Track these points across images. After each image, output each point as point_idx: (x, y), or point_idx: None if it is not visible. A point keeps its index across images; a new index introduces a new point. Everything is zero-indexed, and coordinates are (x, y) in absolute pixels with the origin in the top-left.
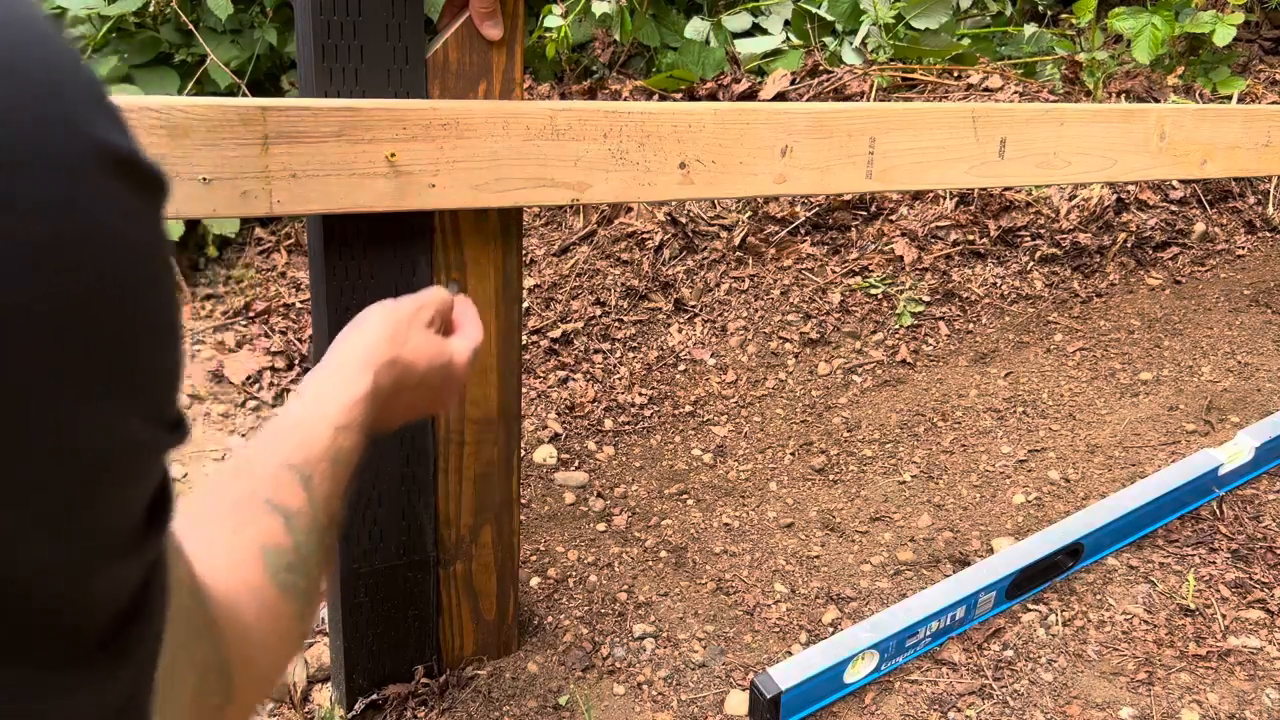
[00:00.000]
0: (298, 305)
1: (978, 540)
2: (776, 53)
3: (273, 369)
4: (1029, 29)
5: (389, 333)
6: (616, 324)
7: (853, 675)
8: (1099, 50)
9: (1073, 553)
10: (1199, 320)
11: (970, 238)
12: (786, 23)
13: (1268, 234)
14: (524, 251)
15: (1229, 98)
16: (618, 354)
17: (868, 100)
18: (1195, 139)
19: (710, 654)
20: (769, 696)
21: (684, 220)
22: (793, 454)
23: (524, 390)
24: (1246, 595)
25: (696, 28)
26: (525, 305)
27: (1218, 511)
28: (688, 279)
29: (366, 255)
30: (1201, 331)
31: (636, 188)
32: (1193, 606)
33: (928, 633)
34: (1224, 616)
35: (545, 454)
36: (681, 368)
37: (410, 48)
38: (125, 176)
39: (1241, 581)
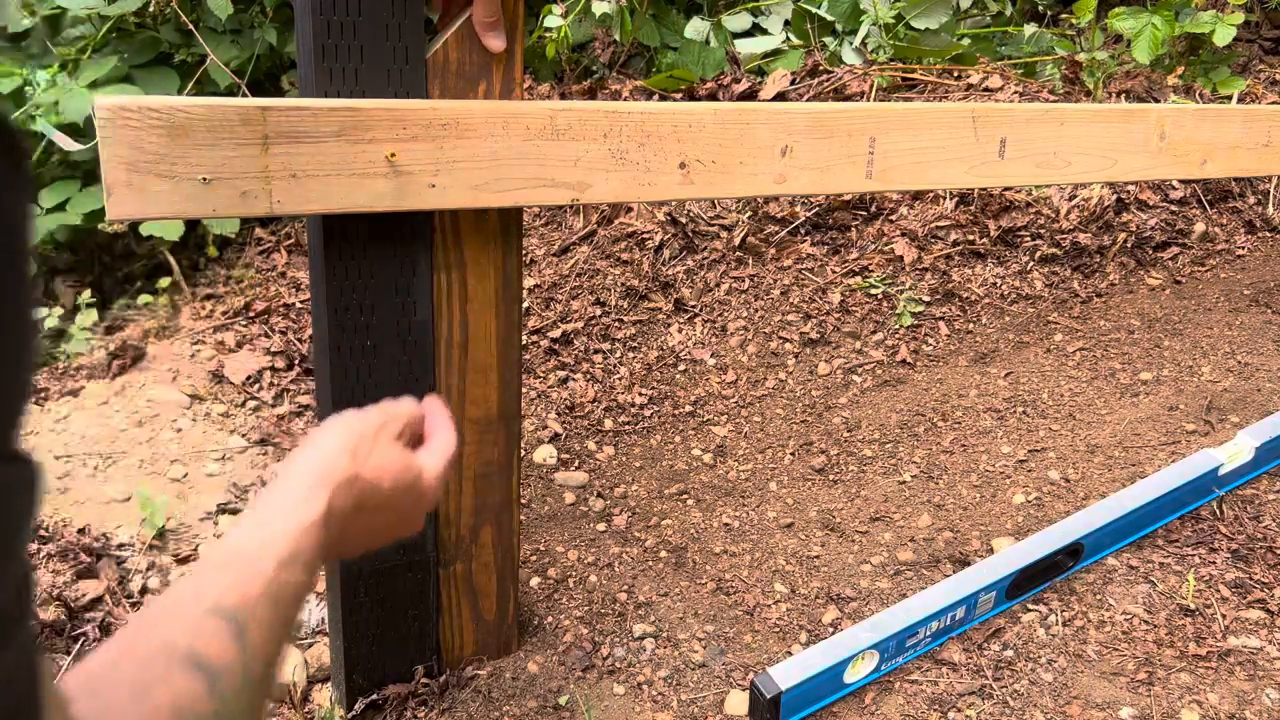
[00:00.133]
0: (298, 305)
1: (978, 540)
2: (776, 53)
3: (273, 369)
4: (1029, 29)
5: (349, 446)
6: (616, 324)
7: (853, 675)
8: (1099, 50)
9: (1073, 553)
10: (1199, 320)
11: (970, 238)
12: (786, 23)
13: (1268, 234)
14: (524, 251)
15: (1229, 98)
16: (618, 354)
17: (868, 100)
18: (1195, 139)
19: (710, 654)
20: (769, 696)
21: (684, 220)
22: (793, 454)
23: (524, 390)
24: (1246, 595)
25: (696, 28)
26: (525, 305)
27: (1218, 511)
28: (688, 279)
29: (366, 255)
30: (1201, 331)
31: (636, 188)
32: (1193, 606)
33: (928, 633)
34: (1224, 616)
35: (545, 454)
36: (681, 368)
37: (410, 48)
38: None
39: (1241, 581)
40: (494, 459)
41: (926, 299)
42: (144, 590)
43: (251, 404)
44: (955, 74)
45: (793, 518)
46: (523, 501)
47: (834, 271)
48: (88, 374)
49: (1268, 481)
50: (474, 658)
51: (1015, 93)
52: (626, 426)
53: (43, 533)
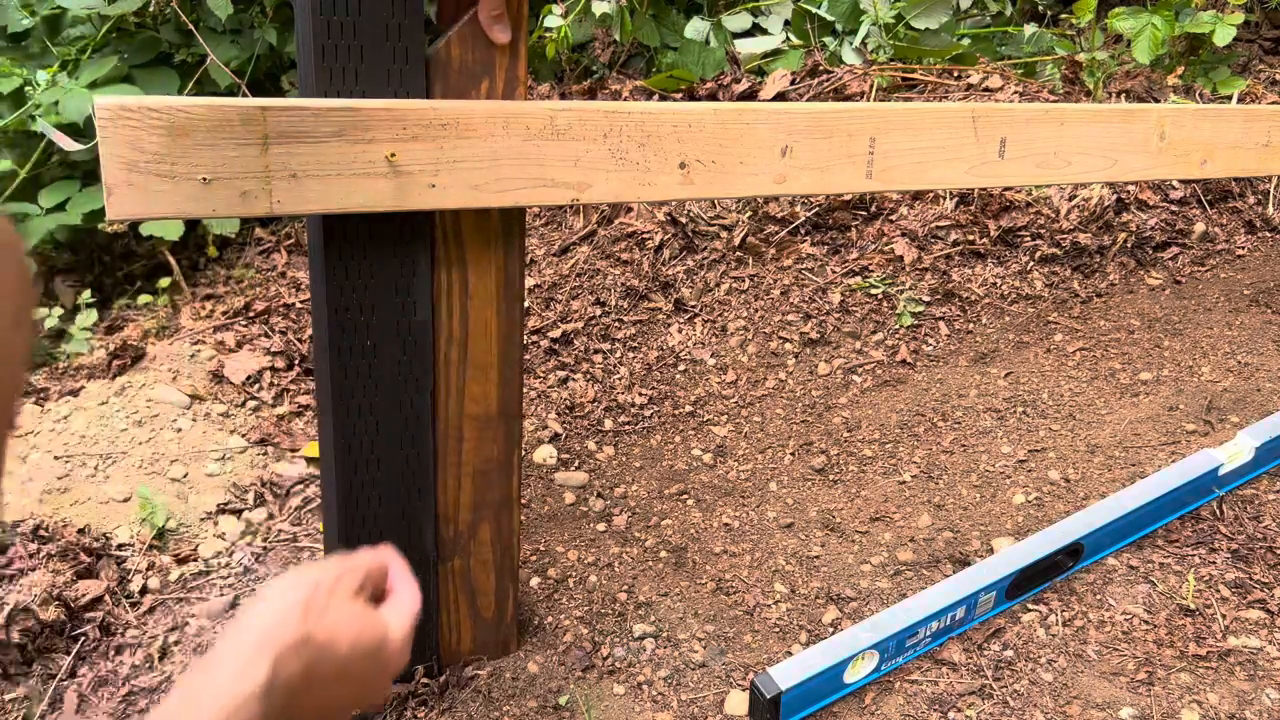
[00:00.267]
0: (298, 305)
1: (978, 540)
2: (776, 53)
3: (273, 369)
4: (1029, 29)
5: (300, 602)
6: (616, 324)
7: (853, 675)
8: (1099, 50)
9: (1073, 553)
10: (1199, 320)
11: (970, 238)
12: (786, 23)
13: (1268, 234)
14: (524, 250)
15: (1229, 98)
16: (618, 354)
17: (868, 100)
18: (1195, 139)
19: (710, 654)
20: (769, 696)
21: (684, 220)
22: (793, 454)
23: (524, 390)
24: (1246, 595)
25: (696, 28)
26: (525, 305)
27: (1218, 511)
28: (688, 279)
29: (366, 255)
30: (1201, 331)
31: (636, 188)
32: (1193, 606)
33: (928, 633)
34: (1224, 616)
35: (545, 454)
36: (681, 368)
37: (410, 48)
38: None
39: (1241, 581)
40: (493, 456)
41: (926, 299)
42: (144, 590)
43: (251, 404)
44: (955, 74)
45: (793, 518)
46: (523, 502)
47: (834, 271)
48: (88, 374)
49: (1268, 481)
50: (472, 656)
51: (1015, 93)
52: (626, 426)
53: (43, 533)
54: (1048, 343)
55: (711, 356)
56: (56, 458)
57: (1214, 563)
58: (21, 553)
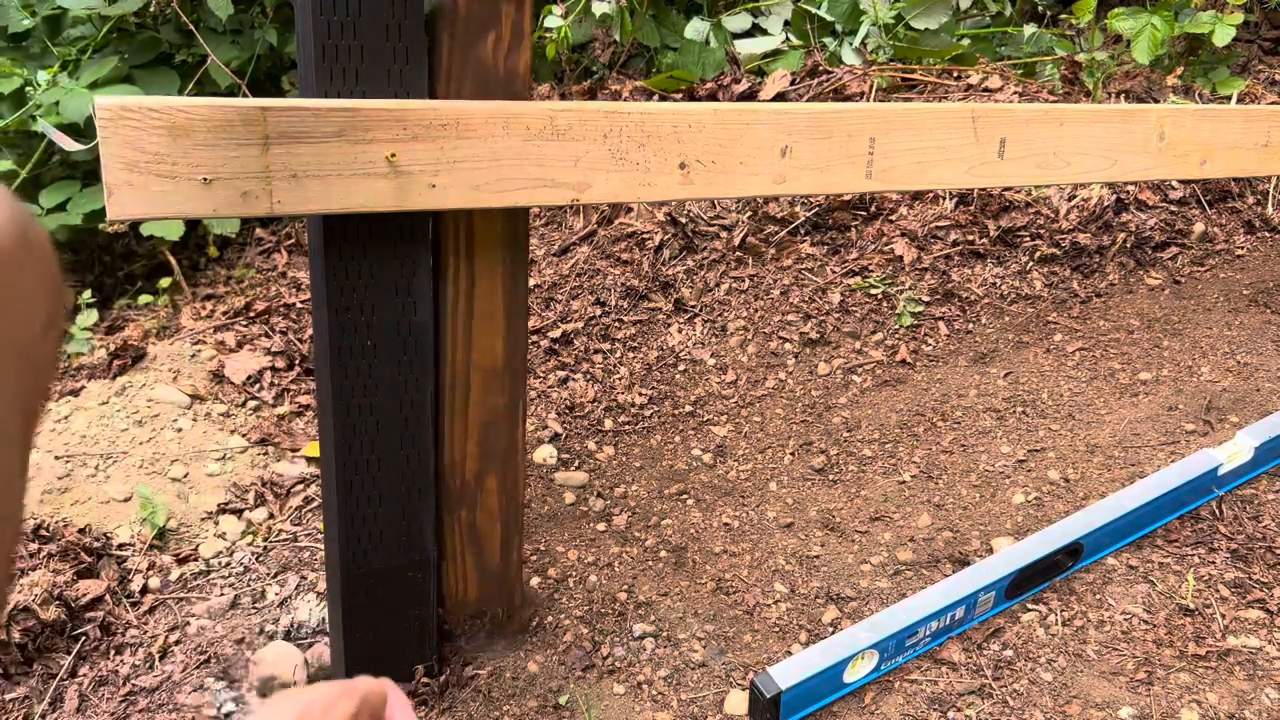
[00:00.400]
0: (298, 305)
1: (977, 540)
2: (776, 53)
3: (273, 369)
4: (1029, 29)
5: None
6: (616, 324)
7: (852, 675)
8: (1099, 50)
9: (1072, 553)
10: (1198, 320)
11: (970, 238)
12: (786, 23)
13: (1267, 234)
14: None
15: (1228, 98)
16: (618, 354)
17: (867, 100)
18: (1195, 139)
19: (710, 654)
20: (769, 696)
21: (684, 220)
22: (793, 454)
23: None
24: (1246, 595)
25: (696, 28)
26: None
27: (1217, 511)
28: (688, 279)
29: (366, 255)
30: (1201, 331)
31: (636, 188)
32: (1192, 606)
33: (927, 632)
34: (1223, 616)
35: (545, 454)
36: (681, 368)
37: (410, 48)
38: None
39: (1241, 581)
40: (499, 407)
41: (926, 299)
42: (144, 590)
43: (252, 404)
44: (955, 74)
45: (792, 517)
46: (523, 502)
47: (834, 271)
48: (88, 374)
49: (1267, 481)
50: (478, 607)
51: (1015, 93)
52: (626, 426)
53: (43, 533)
54: (1047, 343)
55: (711, 356)
56: (57, 457)
57: (1213, 562)
58: (22, 552)
